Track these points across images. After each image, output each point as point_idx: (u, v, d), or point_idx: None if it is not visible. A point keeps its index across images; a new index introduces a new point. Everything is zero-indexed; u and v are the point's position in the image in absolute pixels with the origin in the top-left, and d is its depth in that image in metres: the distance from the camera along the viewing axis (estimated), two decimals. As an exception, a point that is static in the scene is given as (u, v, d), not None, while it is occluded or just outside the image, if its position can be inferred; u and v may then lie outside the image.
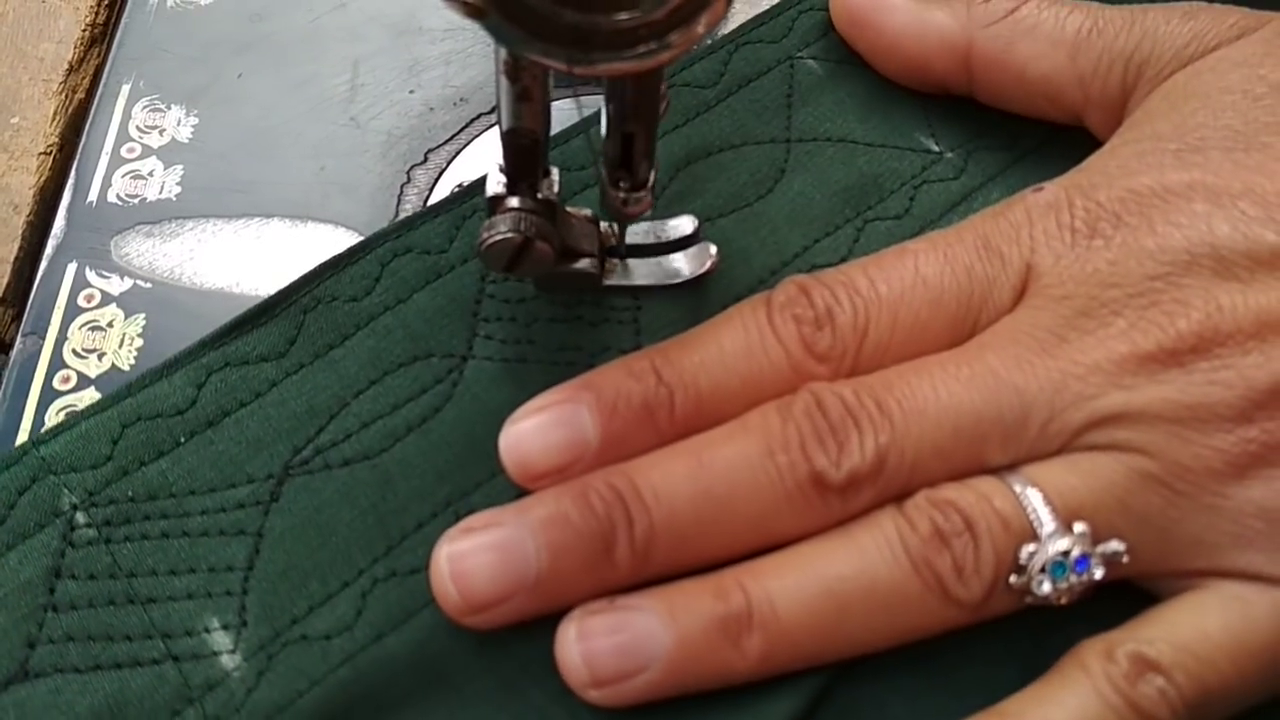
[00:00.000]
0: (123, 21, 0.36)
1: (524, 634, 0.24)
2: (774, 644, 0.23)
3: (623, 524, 0.23)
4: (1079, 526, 0.23)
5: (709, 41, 0.32)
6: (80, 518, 0.25)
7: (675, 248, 0.28)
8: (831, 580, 0.23)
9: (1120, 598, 0.24)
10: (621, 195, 0.25)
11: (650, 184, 0.25)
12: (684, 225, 0.28)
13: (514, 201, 0.25)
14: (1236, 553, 0.23)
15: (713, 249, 0.28)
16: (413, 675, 0.24)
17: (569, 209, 0.27)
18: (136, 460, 0.26)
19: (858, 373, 0.25)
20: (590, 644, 0.23)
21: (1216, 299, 0.23)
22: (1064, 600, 0.23)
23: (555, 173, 0.25)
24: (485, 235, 0.25)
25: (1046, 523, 0.23)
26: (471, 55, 0.35)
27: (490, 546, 0.23)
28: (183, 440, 0.26)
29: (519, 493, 0.25)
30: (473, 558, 0.24)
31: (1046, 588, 0.23)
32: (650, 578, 0.24)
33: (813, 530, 0.24)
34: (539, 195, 0.25)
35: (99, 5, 0.37)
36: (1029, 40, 0.29)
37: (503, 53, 0.22)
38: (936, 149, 0.31)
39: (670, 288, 0.28)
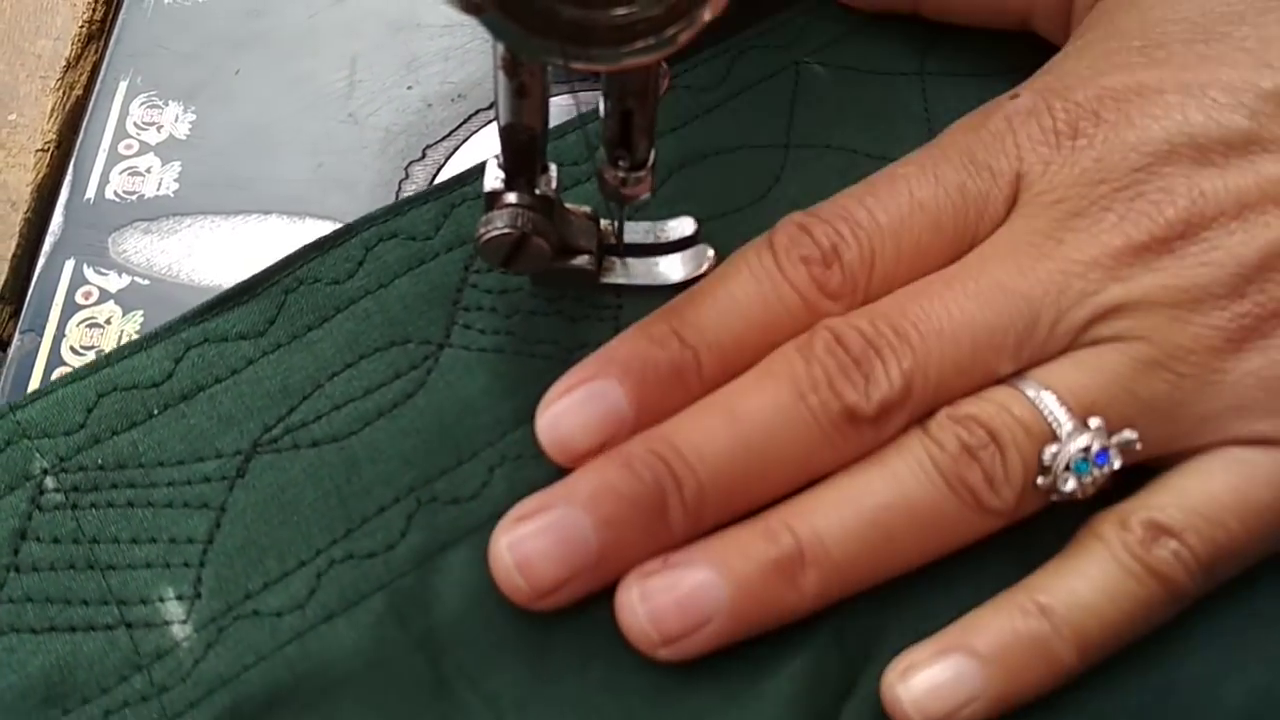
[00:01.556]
0: (120, 18, 0.36)
1: (469, 631, 0.24)
2: (829, 577, 0.24)
3: (672, 487, 0.24)
4: (1094, 421, 0.24)
5: (711, 45, 0.32)
6: (49, 482, 0.25)
7: (674, 249, 0.28)
8: (874, 509, 0.24)
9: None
10: (620, 175, 0.25)
11: (650, 164, 0.25)
12: (684, 226, 0.28)
13: (511, 197, 0.25)
14: (1240, 422, 0.24)
15: (710, 252, 0.28)
16: (358, 659, 0.24)
17: (567, 205, 0.27)
18: (109, 429, 0.26)
19: (869, 303, 0.25)
20: (654, 604, 0.24)
21: (1199, 185, 0.24)
22: (1088, 494, 0.24)
23: (554, 168, 0.25)
24: (482, 230, 0.25)
25: (1064, 423, 0.23)
26: (470, 51, 0.35)
27: (547, 530, 0.24)
28: (156, 412, 0.26)
29: (484, 480, 0.26)
30: (532, 543, 0.24)
31: (1071, 484, 0.24)
32: (703, 532, 0.24)
33: (850, 461, 0.24)
34: (537, 191, 0.25)
35: (96, 1, 0.37)
36: None
37: (501, 48, 0.22)
38: None
39: (654, 288, 0.28)
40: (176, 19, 0.36)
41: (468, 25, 0.35)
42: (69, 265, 0.31)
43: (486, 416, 0.27)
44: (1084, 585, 0.23)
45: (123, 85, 0.35)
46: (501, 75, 0.22)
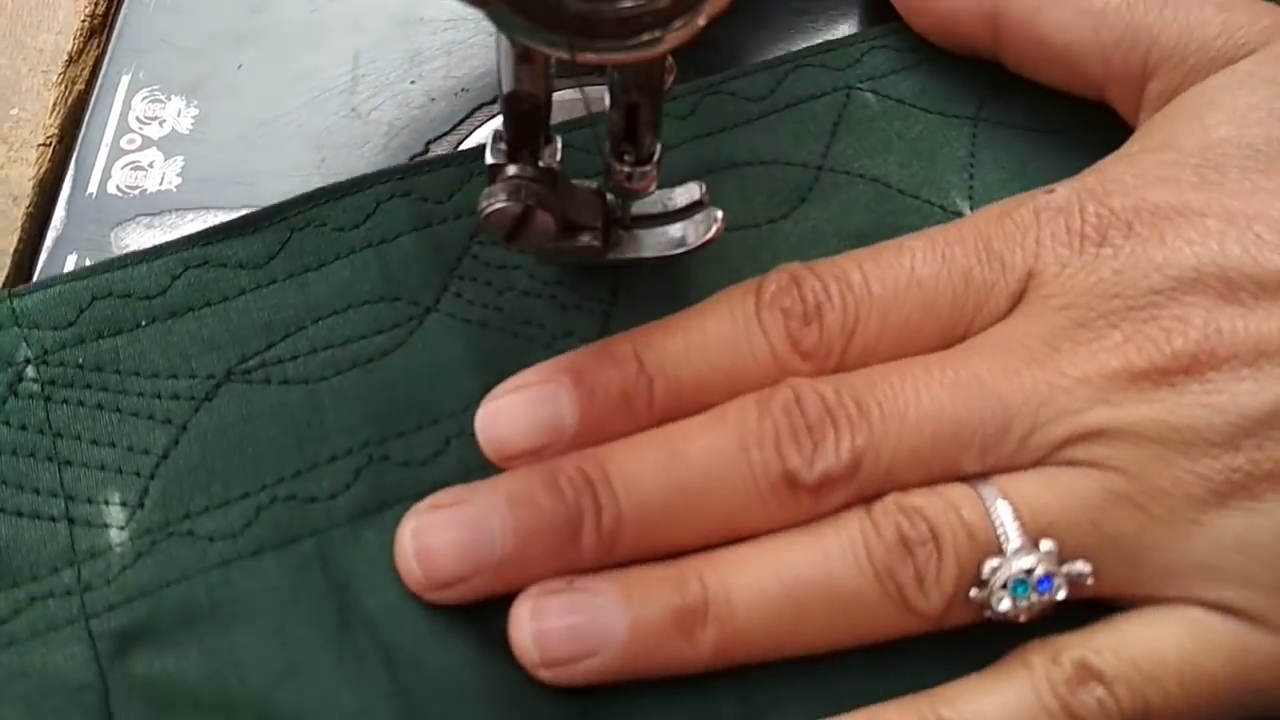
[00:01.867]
0: (122, 12, 0.36)
1: (384, 586, 0.25)
2: (727, 639, 0.23)
3: (590, 511, 0.23)
4: (1046, 544, 0.22)
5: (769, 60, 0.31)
6: (30, 372, 0.27)
7: (681, 216, 0.27)
8: (791, 580, 0.23)
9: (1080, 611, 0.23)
10: (626, 170, 0.25)
11: (655, 158, 0.25)
12: (691, 191, 0.27)
13: (514, 169, 0.24)
14: (1207, 584, 0.22)
15: (719, 214, 0.27)
16: (274, 596, 0.25)
17: (571, 179, 0.26)
18: (96, 332, 0.27)
19: (842, 370, 0.25)
20: (543, 624, 0.23)
21: (1217, 321, 0.23)
22: (1023, 618, 0.23)
23: (558, 140, 0.25)
24: (484, 204, 0.24)
25: (1013, 538, 0.22)
26: (473, 45, 0.35)
27: (456, 523, 0.24)
28: (143, 324, 0.27)
29: (438, 449, 0.26)
30: (437, 534, 0.24)
31: (1006, 604, 0.22)
32: (615, 564, 0.24)
33: (782, 527, 0.24)
34: (540, 163, 0.24)
35: (98, -4, 0.37)
36: (1056, 7, 0.28)
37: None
38: (969, 213, 0.29)
39: (650, 288, 0.28)
40: (179, 13, 0.36)
41: (471, 19, 0.35)
42: (71, 260, 0.31)
43: (455, 387, 0.27)
44: (995, 710, 0.22)
45: (125, 80, 0.35)
46: (504, 40, 0.22)
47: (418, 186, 0.29)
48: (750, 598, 0.23)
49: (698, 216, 0.27)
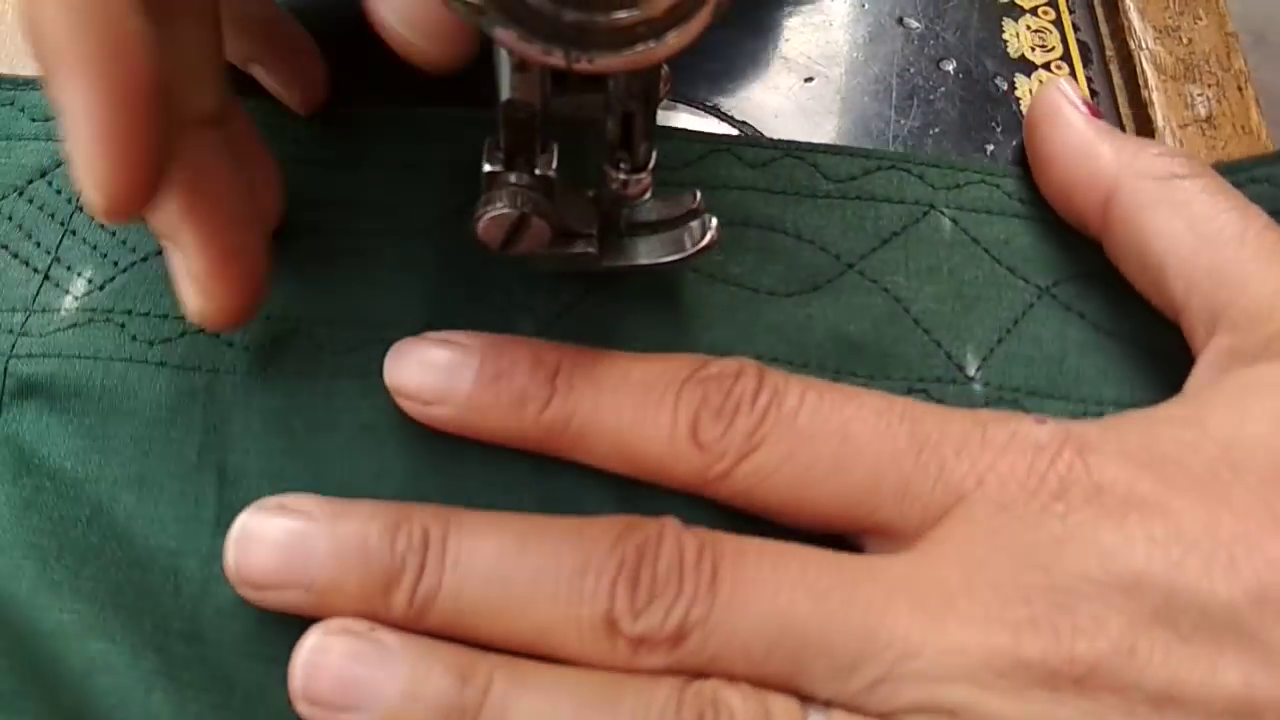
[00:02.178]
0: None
1: (243, 442, 0.26)
2: None
3: (412, 573, 0.23)
4: None
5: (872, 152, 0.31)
6: None
7: (677, 224, 0.27)
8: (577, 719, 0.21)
9: None
10: (621, 177, 0.25)
11: (650, 166, 0.25)
12: (686, 200, 0.27)
13: (510, 177, 0.25)
14: None
15: (714, 222, 0.27)
16: (154, 409, 0.27)
17: (567, 187, 0.26)
18: None
19: (727, 483, 0.23)
20: (320, 659, 0.22)
21: (1135, 639, 0.20)
22: None
23: (554, 148, 0.25)
24: (480, 211, 0.24)
25: None
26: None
27: (282, 535, 0.23)
28: None
29: (352, 346, 0.27)
30: (260, 539, 0.24)
31: None
32: (427, 631, 0.23)
33: (593, 664, 0.22)
34: (536, 171, 0.25)
35: (97, 4, 0.37)
36: (1169, 212, 0.26)
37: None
38: (970, 372, 0.28)
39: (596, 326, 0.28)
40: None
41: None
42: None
43: (398, 301, 0.28)
44: None
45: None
46: (501, 50, 0.22)
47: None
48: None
49: (693, 224, 0.27)
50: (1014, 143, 0.34)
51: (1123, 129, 0.34)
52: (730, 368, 0.24)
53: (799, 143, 0.31)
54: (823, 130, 0.34)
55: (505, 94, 0.23)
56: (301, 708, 0.22)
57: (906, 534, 0.23)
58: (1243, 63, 0.35)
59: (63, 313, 0.28)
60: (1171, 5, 0.36)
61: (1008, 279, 0.29)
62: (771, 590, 0.22)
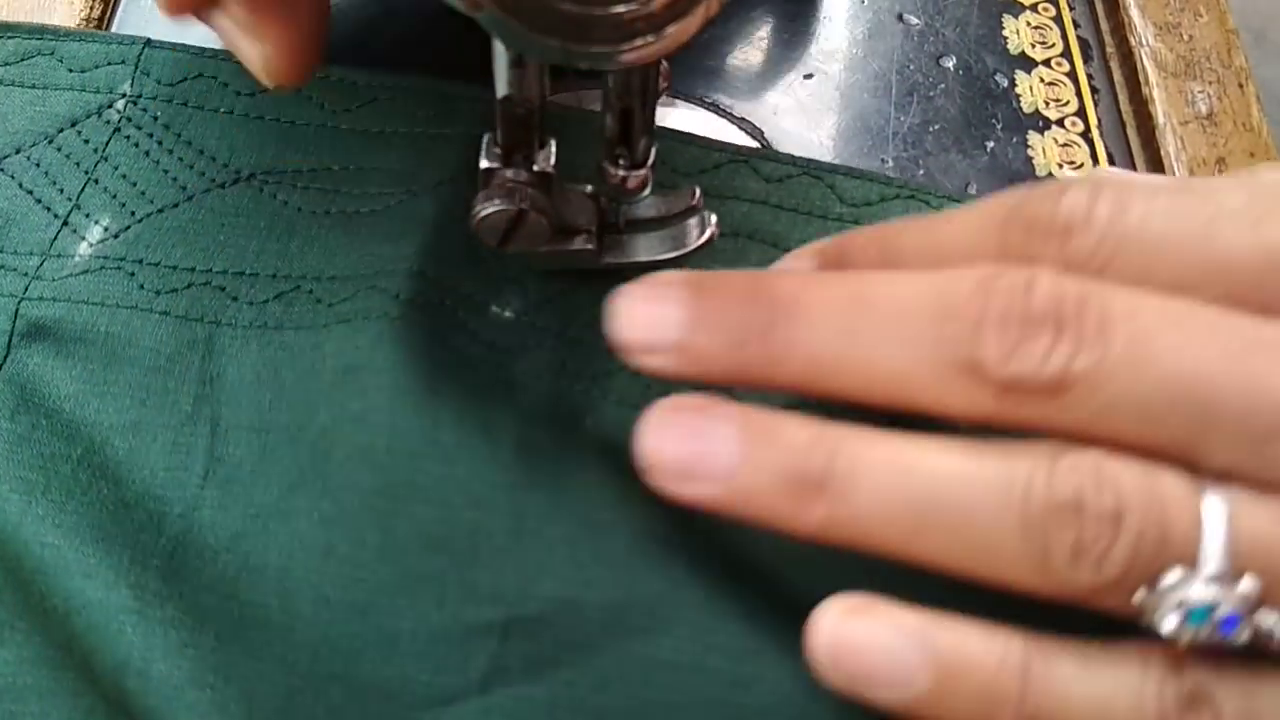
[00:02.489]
0: (117, 15, 0.36)
1: (239, 397, 0.26)
2: (834, 523, 0.21)
3: (761, 327, 0.22)
4: (1247, 582, 0.19)
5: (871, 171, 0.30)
6: (119, 104, 0.31)
7: (675, 220, 0.27)
8: (926, 490, 0.20)
9: None
10: (620, 173, 0.25)
11: (650, 162, 0.25)
12: (685, 196, 0.27)
13: (508, 173, 0.24)
14: None
15: (713, 218, 0.27)
16: (154, 356, 0.27)
17: (565, 184, 0.26)
18: (184, 99, 0.31)
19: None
20: (661, 440, 0.22)
21: None
22: (1184, 645, 0.19)
23: (552, 144, 0.25)
24: (478, 208, 0.24)
25: (1212, 560, 0.19)
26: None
27: (643, 299, 0.23)
28: (222, 111, 0.31)
29: (346, 296, 0.27)
30: (629, 304, 0.23)
31: (1171, 625, 0.19)
32: (782, 386, 0.22)
33: (957, 414, 0.20)
34: (534, 167, 0.25)
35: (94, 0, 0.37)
36: None
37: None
38: None
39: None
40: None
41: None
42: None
43: (387, 252, 0.28)
44: (1085, 691, 0.20)
45: (120, 83, 0.35)
46: (498, 45, 0.22)
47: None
48: (875, 490, 0.20)
49: (692, 221, 0.27)
50: (1014, 139, 0.33)
51: (1123, 126, 0.34)
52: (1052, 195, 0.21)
53: (820, 163, 0.30)
54: (822, 126, 0.34)
55: (502, 90, 0.23)
56: (654, 481, 0.22)
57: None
58: (1244, 60, 0.35)
59: (77, 259, 0.28)
60: (1172, 2, 0.36)
61: None
62: (1177, 343, 0.19)
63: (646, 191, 0.25)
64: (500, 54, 0.22)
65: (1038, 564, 0.19)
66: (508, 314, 0.28)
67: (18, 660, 0.24)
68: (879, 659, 0.21)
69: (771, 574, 0.24)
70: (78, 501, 0.25)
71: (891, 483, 0.20)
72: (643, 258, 0.27)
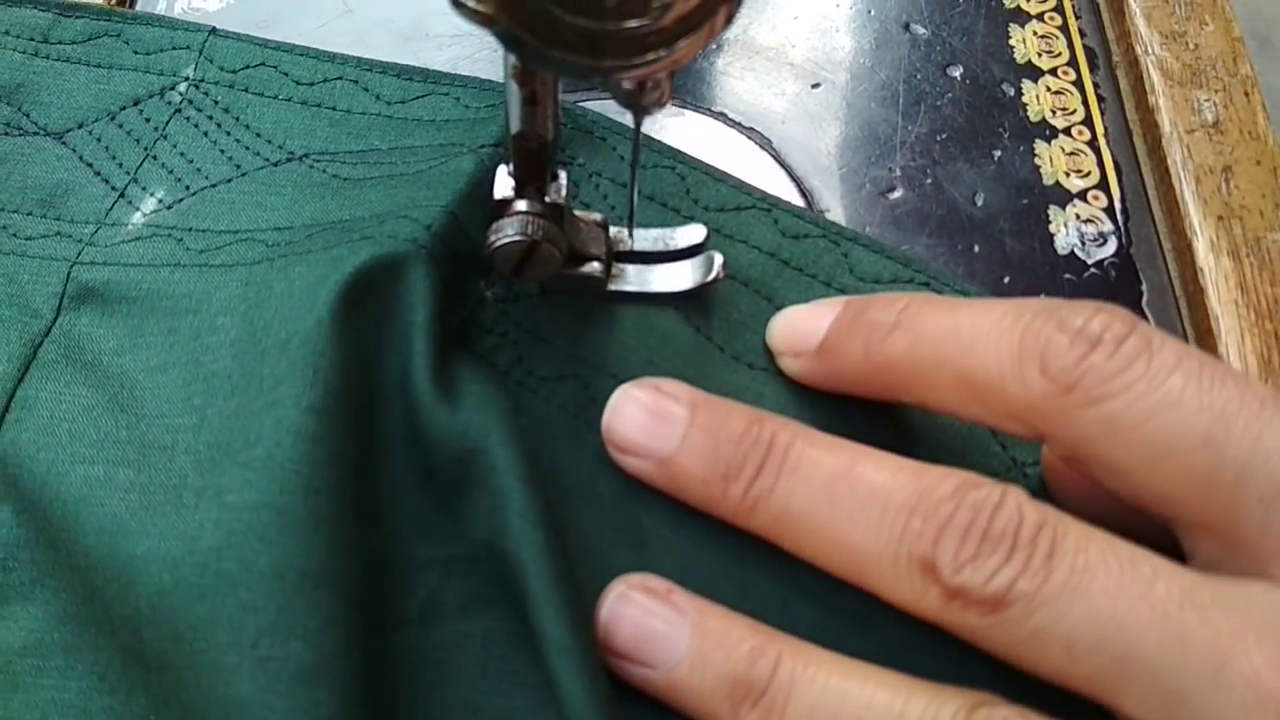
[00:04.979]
0: None
1: (284, 312, 0.26)
2: None
3: (752, 466, 0.24)
4: None
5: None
6: (181, 87, 0.32)
7: (683, 256, 0.28)
8: (855, 718, 0.21)
9: None
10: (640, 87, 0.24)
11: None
12: (693, 234, 0.28)
13: (521, 204, 0.25)
14: None
15: (719, 259, 0.28)
16: (185, 302, 0.28)
17: (576, 213, 0.27)
18: (246, 85, 0.32)
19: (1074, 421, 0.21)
20: (622, 612, 0.24)
21: None
22: None
23: (563, 176, 0.26)
24: (493, 238, 0.25)
25: None
26: (478, 61, 0.35)
27: (646, 405, 0.25)
28: (280, 98, 0.32)
29: (365, 234, 0.27)
30: (629, 406, 0.25)
31: None
32: (751, 530, 0.24)
33: (901, 604, 0.22)
34: (546, 198, 0.25)
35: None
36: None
37: (511, 58, 0.22)
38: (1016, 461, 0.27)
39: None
40: (186, 29, 0.36)
41: (475, 35, 0.36)
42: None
43: (418, 213, 0.28)
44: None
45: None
46: (513, 84, 0.23)
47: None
48: (808, 708, 0.22)
49: (699, 259, 0.28)
50: (1021, 148, 0.34)
51: (1130, 135, 0.35)
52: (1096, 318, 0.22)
53: (843, 229, 0.29)
54: (829, 135, 0.34)
55: (515, 127, 0.24)
56: (607, 657, 0.24)
57: (1250, 546, 0.21)
58: (1249, 68, 0.35)
59: (129, 227, 0.30)
60: (1178, 10, 0.36)
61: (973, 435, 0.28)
62: (1114, 587, 0.20)
63: (665, 98, 0.23)
64: (514, 93, 0.23)
65: None
66: (488, 294, 0.28)
67: (45, 617, 0.25)
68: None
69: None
70: (99, 451, 0.26)
71: (825, 705, 0.22)
72: (650, 289, 0.28)
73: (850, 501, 0.22)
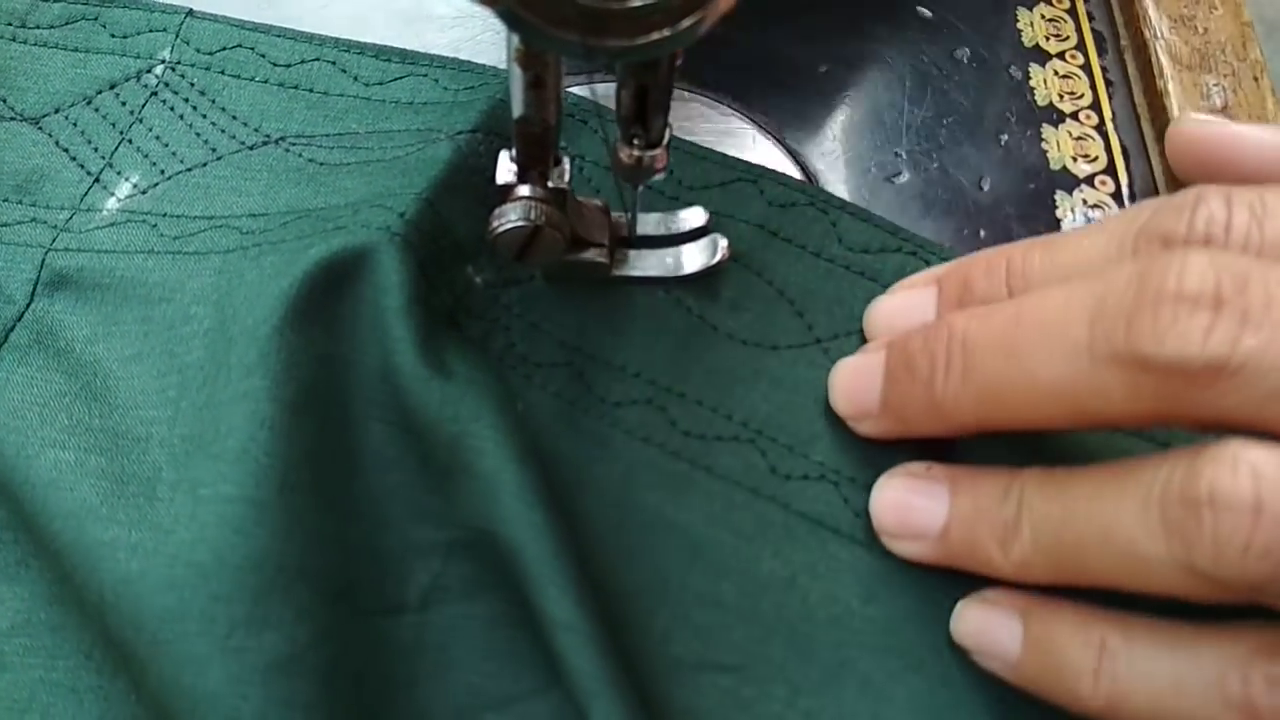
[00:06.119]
0: (131, 8, 0.36)
1: (247, 305, 0.26)
2: (1029, 560, 0.22)
3: (941, 363, 0.23)
4: None
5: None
6: (158, 70, 0.32)
7: (686, 239, 0.28)
8: (1074, 528, 0.21)
9: None
10: (636, 154, 0.25)
11: (665, 142, 0.25)
12: (695, 217, 0.28)
13: (524, 189, 0.25)
14: None
15: (723, 241, 0.28)
16: (157, 290, 0.27)
17: (579, 198, 0.27)
18: (222, 68, 0.32)
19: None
20: (885, 498, 0.25)
21: None
22: None
23: (566, 161, 0.25)
24: (496, 223, 0.25)
25: None
26: (480, 43, 0.35)
27: (851, 366, 0.26)
28: (257, 79, 0.32)
29: (341, 224, 0.27)
30: (843, 371, 0.26)
31: None
32: (954, 424, 0.24)
33: (1123, 414, 0.20)
34: (549, 183, 0.25)
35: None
36: None
37: (514, 41, 0.22)
38: None
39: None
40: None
41: (478, 16, 0.35)
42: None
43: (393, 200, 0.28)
44: (1157, 665, 0.20)
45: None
46: (516, 68, 0.22)
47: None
48: (1043, 527, 0.22)
49: (702, 241, 0.28)
50: (1028, 132, 0.33)
51: (1138, 120, 0.34)
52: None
53: (829, 195, 0.29)
54: (835, 119, 0.34)
55: (518, 111, 0.23)
56: (884, 540, 0.25)
57: None
58: (1259, 53, 0.35)
59: (104, 212, 0.29)
60: (1187, -6, 0.36)
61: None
62: None
63: (661, 175, 0.25)
64: (517, 77, 0.22)
65: (1183, 566, 0.19)
66: (477, 280, 0.28)
67: (31, 597, 0.25)
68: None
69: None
70: (70, 436, 0.26)
71: (1056, 526, 0.21)
72: (653, 273, 0.28)
73: (1030, 344, 0.21)
